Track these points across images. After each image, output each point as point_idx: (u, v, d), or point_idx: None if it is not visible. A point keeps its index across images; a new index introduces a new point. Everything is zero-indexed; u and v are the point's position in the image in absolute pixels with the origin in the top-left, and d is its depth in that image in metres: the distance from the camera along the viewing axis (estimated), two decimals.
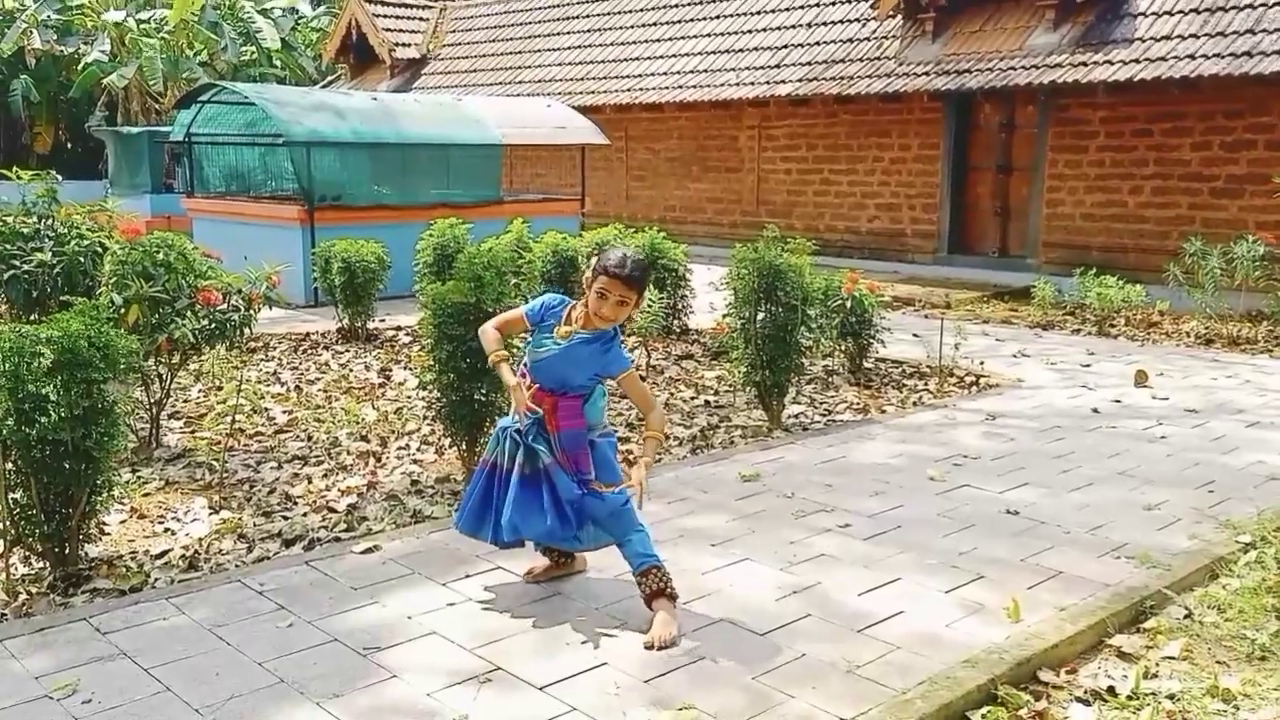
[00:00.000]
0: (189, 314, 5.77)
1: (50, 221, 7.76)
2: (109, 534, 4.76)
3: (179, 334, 5.67)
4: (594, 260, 3.76)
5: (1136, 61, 11.64)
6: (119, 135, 18.77)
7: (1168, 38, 11.69)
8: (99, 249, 6.60)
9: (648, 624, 3.67)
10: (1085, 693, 3.46)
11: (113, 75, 23.94)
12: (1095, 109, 12.44)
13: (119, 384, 4.34)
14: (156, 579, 4.31)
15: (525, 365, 3.91)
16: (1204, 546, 4.61)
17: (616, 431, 4.05)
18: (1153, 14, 12.09)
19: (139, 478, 5.60)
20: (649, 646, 3.57)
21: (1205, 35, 11.44)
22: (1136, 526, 4.85)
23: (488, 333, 3.95)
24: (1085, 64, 12.03)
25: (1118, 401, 7.39)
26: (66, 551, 4.30)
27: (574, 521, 3.77)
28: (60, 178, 8.59)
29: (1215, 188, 11.71)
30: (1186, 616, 4.00)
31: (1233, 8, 11.50)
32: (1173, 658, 3.68)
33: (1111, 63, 11.83)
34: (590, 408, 3.83)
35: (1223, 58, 11.03)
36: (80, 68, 24.45)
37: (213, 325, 5.91)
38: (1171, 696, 3.41)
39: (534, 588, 4.09)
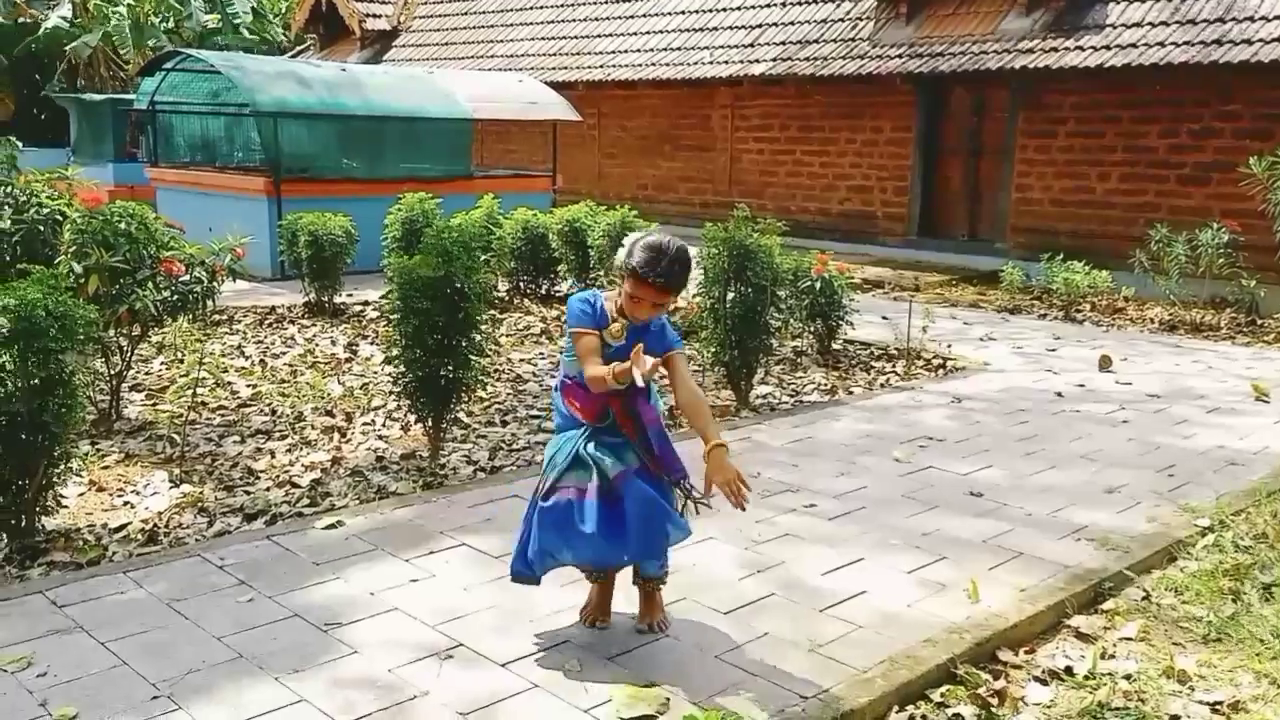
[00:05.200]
0: (150, 285, 5.68)
1: (9, 188, 7.60)
2: (67, 506, 4.69)
3: (140, 305, 5.58)
4: (624, 251, 3.24)
5: (1107, 48, 11.69)
6: (82, 103, 18.43)
7: (1138, 25, 11.74)
8: (59, 217, 6.46)
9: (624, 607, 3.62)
10: (1043, 672, 3.50)
11: (77, 42, 23.47)
12: (1065, 95, 12.49)
13: (78, 355, 4.26)
14: (114, 552, 4.26)
15: (568, 380, 3.42)
16: (1163, 529, 4.67)
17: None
18: (1124, 1, 12.14)
19: (98, 450, 5.53)
20: (645, 629, 3.52)
21: (1175, 23, 11.50)
22: (1097, 509, 4.90)
23: (597, 372, 3.22)
24: (1056, 50, 12.07)
25: (1082, 385, 7.45)
26: (23, 524, 4.24)
27: (661, 535, 3.37)
28: (21, 144, 8.41)
29: (1182, 175, 11.81)
30: (1144, 598, 4.04)
31: None
32: (1130, 639, 3.73)
33: (1082, 49, 11.87)
34: (654, 400, 3.45)
35: (1192, 45, 11.10)
36: (41, 33, 23.93)
37: (175, 297, 5.82)
38: (1128, 677, 3.45)
39: (499, 564, 4.06)
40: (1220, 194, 11.36)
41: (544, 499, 3.35)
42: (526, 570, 3.46)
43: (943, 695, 3.31)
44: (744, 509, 3.21)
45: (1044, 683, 3.44)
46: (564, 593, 3.80)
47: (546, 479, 3.38)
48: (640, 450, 3.33)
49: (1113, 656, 3.61)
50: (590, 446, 3.34)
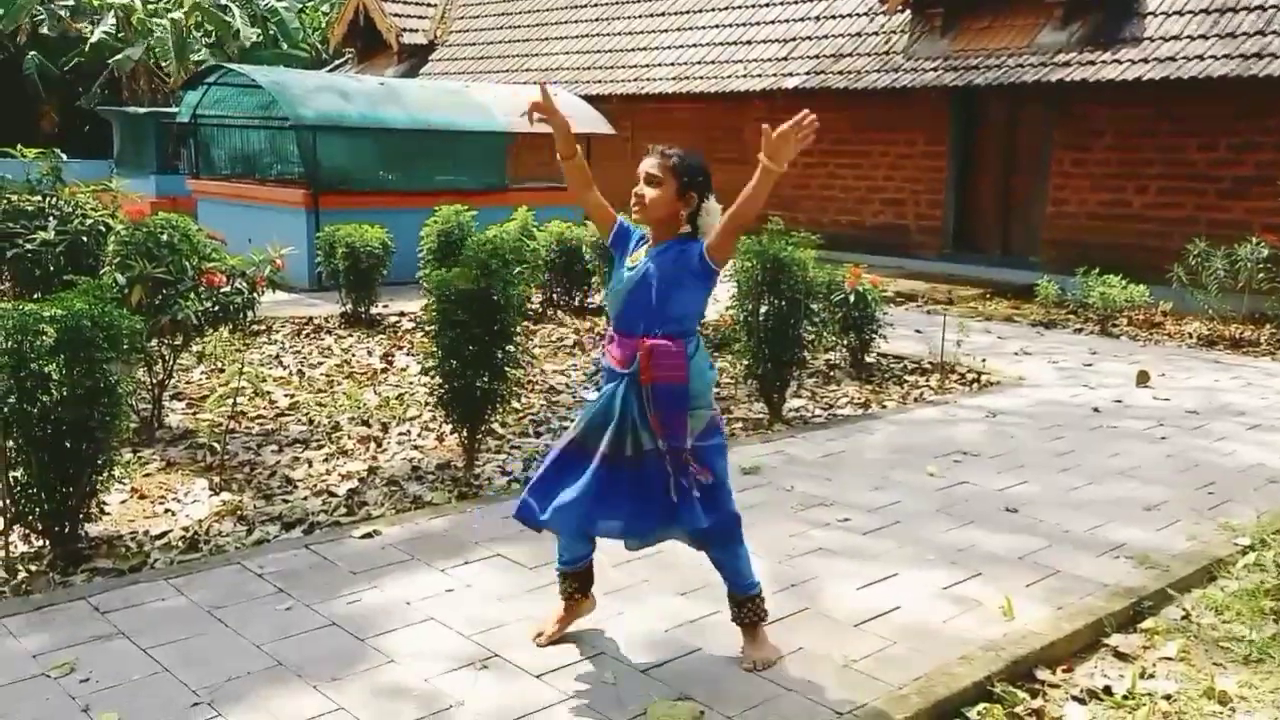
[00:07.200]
0: (192, 295, 5.77)
1: (54, 200, 7.75)
2: (109, 514, 4.75)
3: (182, 315, 5.67)
4: None
5: (1145, 61, 11.59)
6: (125, 115, 18.75)
7: (1176, 38, 11.64)
8: (103, 228, 6.59)
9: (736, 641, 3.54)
10: (1081, 691, 3.47)
11: (121, 55, 23.89)
12: (1102, 108, 12.40)
13: (122, 364, 4.34)
14: (156, 559, 4.32)
15: (609, 328, 3.39)
16: (1202, 548, 4.61)
17: (724, 431, 3.45)
18: (1162, 14, 12.04)
19: (140, 458, 5.61)
20: (749, 668, 3.41)
21: (1215, 36, 11.39)
22: (1135, 526, 4.85)
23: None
24: (1093, 63, 11.99)
25: (1119, 401, 7.38)
26: (67, 530, 4.31)
27: (659, 517, 3.27)
28: (65, 156, 8.57)
29: (1222, 189, 11.68)
30: (1184, 617, 4.00)
31: (1243, 9, 11.45)
32: (1169, 658, 3.69)
33: (1120, 62, 11.78)
34: (695, 365, 3.23)
35: (1232, 59, 10.98)
36: (87, 46, 24.38)
37: (216, 307, 5.90)
38: (1168, 697, 3.41)
39: (533, 575, 4.09)
40: (1260, 208, 11.22)
41: (560, 449, 3.36)
42: (529, 514, 3.38)
43: (979, 713, 3.29)
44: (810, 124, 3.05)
45: (1082, 702, 3.41)
46: (601, 604, 3.81)
47: (570, 429, 3.40)
48: (646, 400, 3.18)
49: (1152, 676, 3.57)
50: (625, 407, 3.22)
